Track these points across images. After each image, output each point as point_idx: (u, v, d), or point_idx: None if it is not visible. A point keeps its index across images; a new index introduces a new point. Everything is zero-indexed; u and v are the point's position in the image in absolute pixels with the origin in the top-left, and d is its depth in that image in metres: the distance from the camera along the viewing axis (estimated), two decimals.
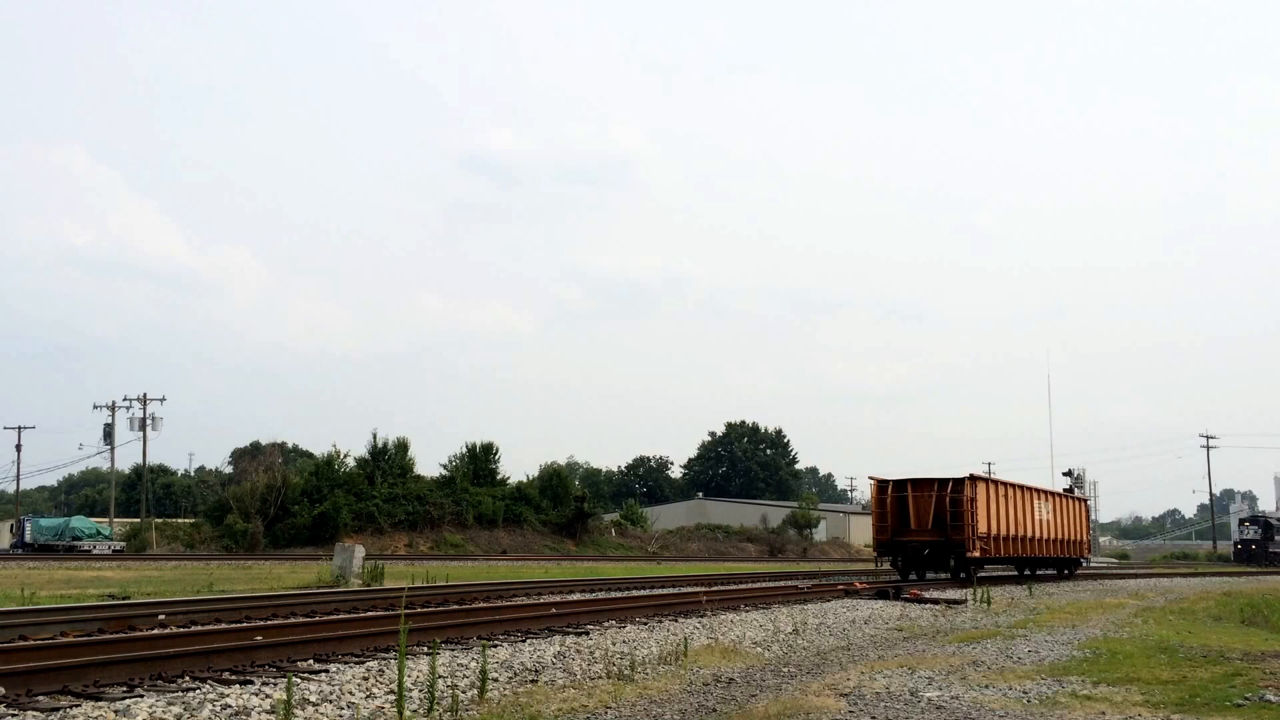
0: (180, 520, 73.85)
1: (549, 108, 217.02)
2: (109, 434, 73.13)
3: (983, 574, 31.13)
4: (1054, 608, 22.14)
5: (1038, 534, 34.18)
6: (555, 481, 69.46)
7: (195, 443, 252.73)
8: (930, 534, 29.28)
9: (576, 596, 21.93)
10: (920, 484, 30.13)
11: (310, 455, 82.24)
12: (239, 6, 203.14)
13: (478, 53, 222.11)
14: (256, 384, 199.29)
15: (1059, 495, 38.62)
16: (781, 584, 26.53)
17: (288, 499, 60.69)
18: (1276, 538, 70.91)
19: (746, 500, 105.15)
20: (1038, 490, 35.46)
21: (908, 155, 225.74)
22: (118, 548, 59.73)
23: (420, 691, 9.34)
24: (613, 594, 22.47)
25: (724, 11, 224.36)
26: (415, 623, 12.84)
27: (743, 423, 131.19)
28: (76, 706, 8.10)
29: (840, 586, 24.69)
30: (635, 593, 22.39)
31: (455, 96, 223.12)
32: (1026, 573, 36.30)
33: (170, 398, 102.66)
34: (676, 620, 16.14)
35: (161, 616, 14.98)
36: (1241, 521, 77.57)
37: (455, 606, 17.06)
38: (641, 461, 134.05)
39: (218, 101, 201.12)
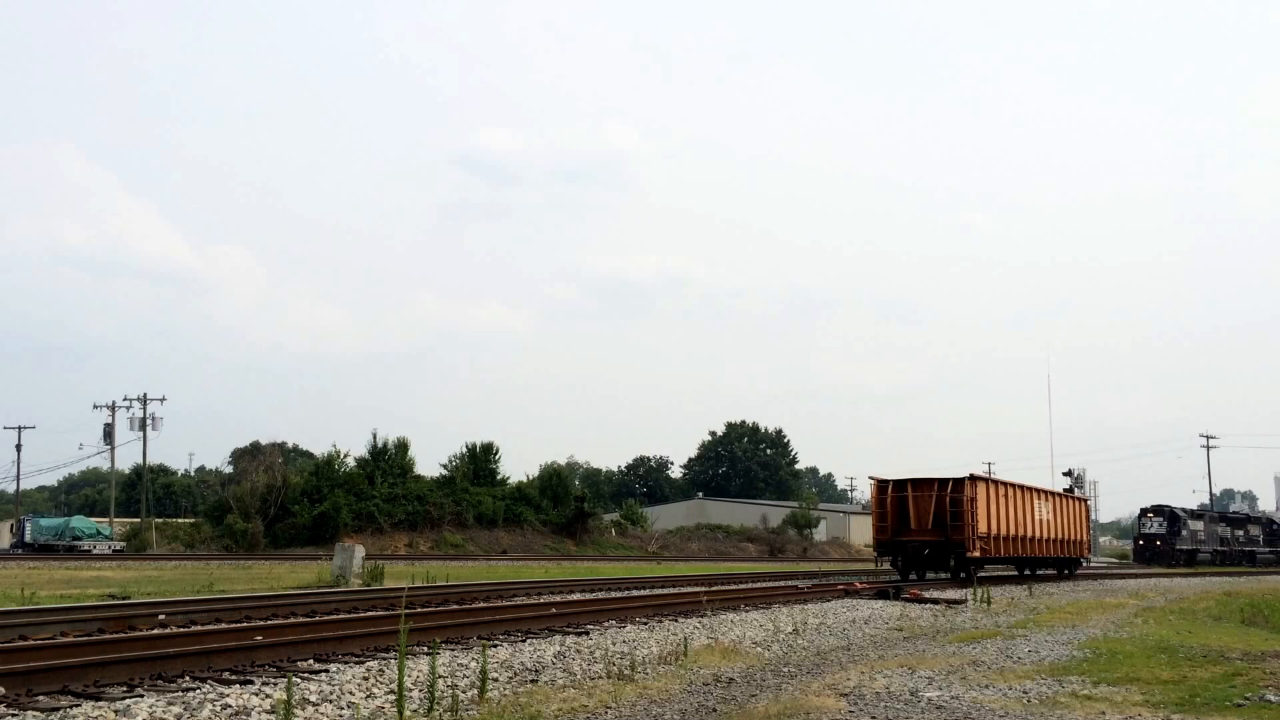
0: (180, 520, 73.90)
1: (546, 106, 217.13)
2: (109, 434, 73.10)
3: (983, 574, 31.12)
4: (1054, 608, 22.15)
5: (1038, 534, 34.18)
6: (555, 481, 69.49)
7: (195, 443, 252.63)
8: (930, 534, 29.28)
9: (576, 596, 21.93)
10: (920, 484, 30.14)
11: (310, 455, 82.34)
12: (235, 5, 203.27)
13: (475, 51, 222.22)
14: (256, 384, 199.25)
15: (1059, 495, 38.64)
16: (781, 584, 26.54)
17: (288, 499, 60.73)
18: (1184, 532, 60.19)
19: (746, 500, 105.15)
20: (1038, 490, 35.47)
21: (906, 152, 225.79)
22: (118, 548, 59.76)
23: (420, 691, 9.34)
24: (613, 594, 22.47)
25: (721, 9, 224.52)
26: (415, 623, 12.84)
27: (743, 423, 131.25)
28: (76, 706, 8.11)
29: (840, 586, 24.69)
30: (635, 593, 22.40)
31: (452, 95, 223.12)
32: (1026, 573, 36.31)
33: (170, 398, 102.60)
34: (676, 620, 16.14)
35: (161, 616, 14.98)
36: (1143, 513, 62.68)
37: (455, 606, 17.07)
38: (641, 461, 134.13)
39: (214, 100, 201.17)
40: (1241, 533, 65.75)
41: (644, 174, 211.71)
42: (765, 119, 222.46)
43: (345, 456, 64.79)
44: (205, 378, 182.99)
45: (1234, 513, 73.72)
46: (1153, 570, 50.39)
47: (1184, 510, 61.81)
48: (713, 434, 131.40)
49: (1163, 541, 59.68)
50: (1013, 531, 32.06)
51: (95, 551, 56.63)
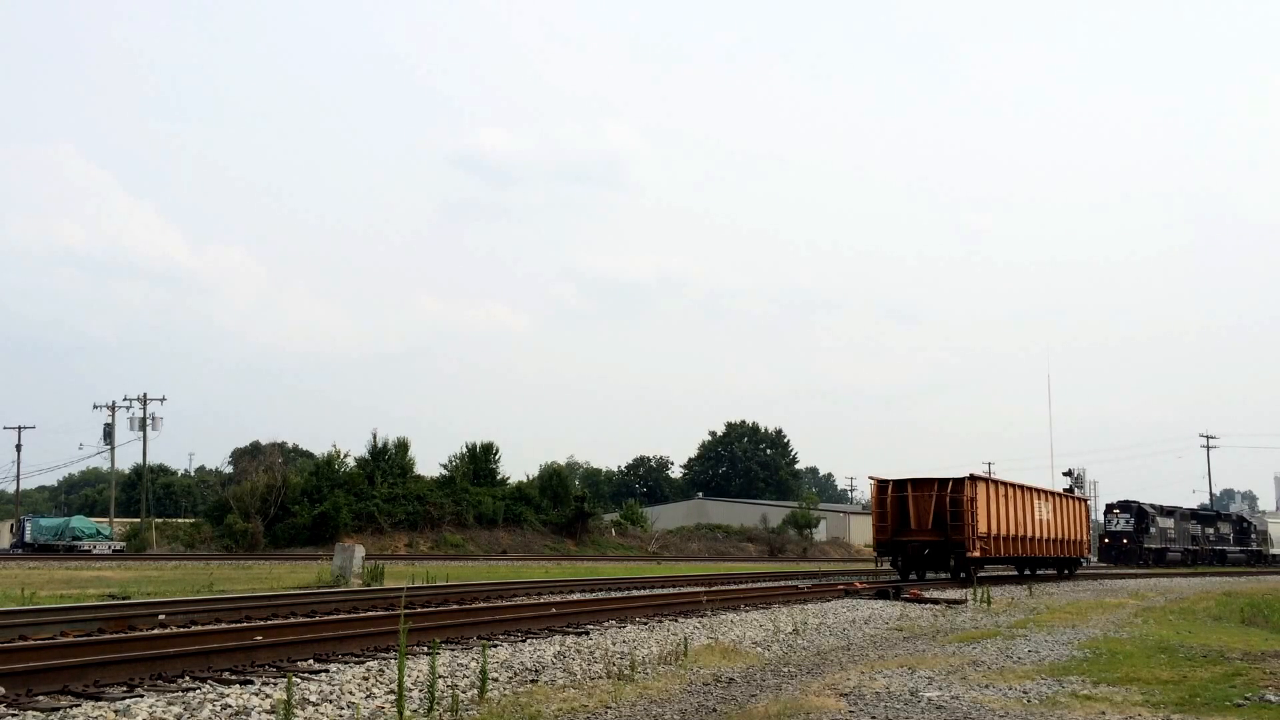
0: (180, 520, 73.95)
1: (546, 106, 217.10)
2: (109, 434, 73.12)
3: (983, 574, 31.15)
4: (1054, 608, 22.15)
5: (1038, 534, 34.19)
6: (555, 481, 69.51)
7: (195, 443, 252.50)
8: (930, 534, 29.29)
9: (576, 596, 21.94)
10: (920, 484, 30.15)
11: (310, 455, 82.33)
12: (235, 4, 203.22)
13: (475, 51, 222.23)
14: (256, 384, 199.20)
15: (1059, 495, 38.65)
16: (781, 584, 26.54)
17: (288, 499, 60.75)
18: (1152, 530, 57.21)
19: (746, 500, 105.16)
20: (1038, 490, 35.48)
21: (906, 152, 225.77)
22: (118, 548, 59.80)
23: (420, 691, 9.34)
24: (613, 594, 22.47)
25: (721, 9, 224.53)
26: (415, 623, 12.85)
27: (743, 423, 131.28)
28: (76, 706, 8.11)
29: (840, 586, 24.69)
30: (635, 593, 22.40)
31: (452, 95, 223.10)
32: (1026, 573, 36.33)
33: (170, 398, 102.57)
34: (676, 620, 16.14)
35: (161, 616, 14.98)
36: (1109, 509, 59.34)
37: (455, 606, 17.07)
38: (641, 461, 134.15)
39: (213, 100, 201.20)
40: (1212, 531, 63.44)
41: (643, 174, 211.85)
42: (764, 118, 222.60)
43: (345, 456, 64.95)
44: (205, 378, 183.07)
45: (1205, 510, 70.45)
46: (1153, 570, 50.10)
47: (1153, 507, 58.95)
48: (713, 434, 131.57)
49: (1130, 540, 56.69)
50: (1013, 531, 32.07)
51: (95, 551, 56.65)
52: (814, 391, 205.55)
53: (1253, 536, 66.88)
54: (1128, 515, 57.65)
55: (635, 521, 75.78)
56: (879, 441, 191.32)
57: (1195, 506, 71.53)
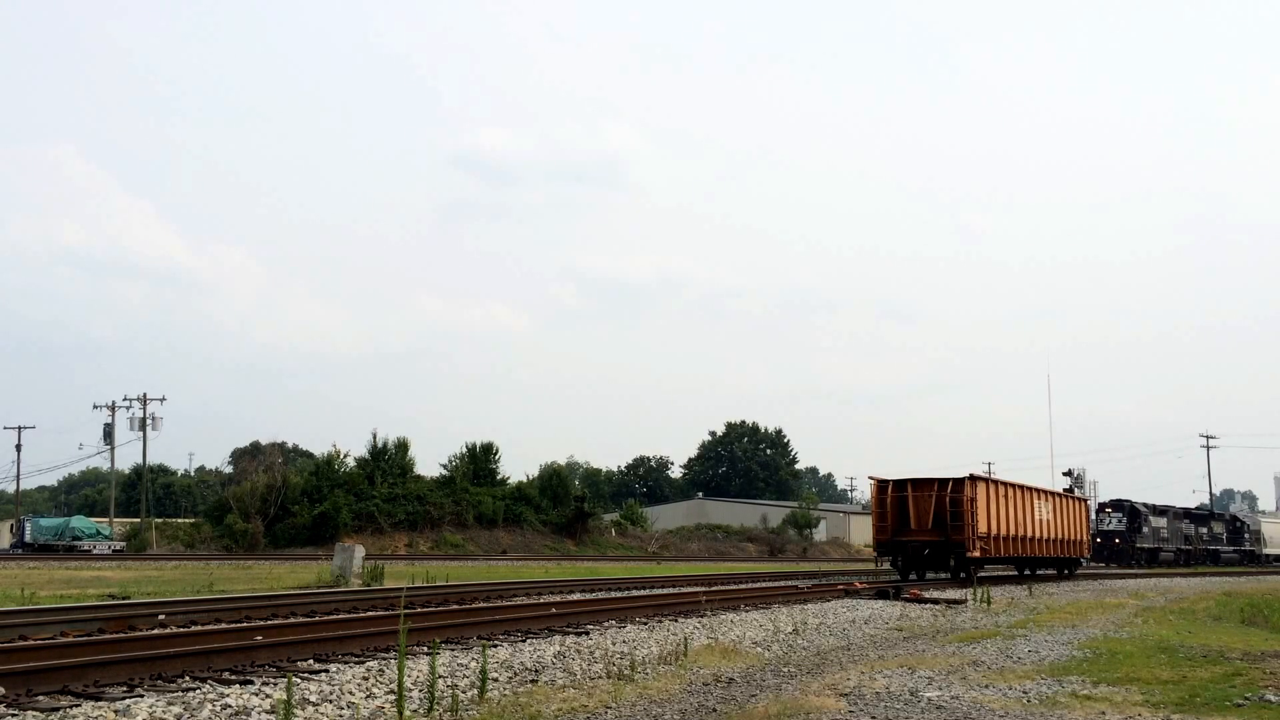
0: (180, 520, 73.97)
1: (545, 106, 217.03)
2: (109, 434, 73.13)
3: (983, 574, 31.14)
4: (1054, 608, 22.15)
5: (1038, 534, 34.20)
6: (555, 481, 69.52)
7: (195, 443, 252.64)
8: (930, 534, 29.29)
9: (576, 596, 21.94)
10: (920, 484, 30.15)
11: (310, 455, 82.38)
12: (235, 4, 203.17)
13: (474, 51, 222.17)
14: (256, 384, 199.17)
15: (1059, 495, 38.65)
16: (781, 584, 26.54)
17: (288, 499, 60.77)
18: (1144, 529, 56.36)
19: (746, 500, 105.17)
20: (1038, 490, 35.49)
21: (906, 152, 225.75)
22: (118, 548, 59.82)
23: (420, 691, 9.34)
24: (613, 594, 22.47)
25: (720, 9, 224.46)
26: (415, 623, 12.85)
27: (743, 423, 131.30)
28: (76, 706, 8.11)
29: (840, 586, 24.70)
30: (635, 593, 22.40)
31: (452, 95, 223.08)
32: (1026, 573, 36.33)
33: (170, 398, 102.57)
34: (676, 620, 16.14)
35: (161, 616, 14.98)
36: (1101, 508, 57.78)
37: (455, 606, 17.07)
38: (641, 461, 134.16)
39: (213, 100, 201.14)
40: (1205, 530, 62.66)
41: (643, 174, 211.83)
42: (764, 119, 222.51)
43: (345, 456, 64.96)
44: (205, 378, 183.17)
45: (1199, 509, 69.33)
46: (1153, 570, 50.10)
47: (1145, 506, 57.85)
48: (713, 434, 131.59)
49: (1122, 539, 55.46)
50: (1013, 531, 32.07)
51: (95, 551, 56.67)
52: (814, 391, 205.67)
53: (1246, 536, 66.50)
54: (1120, 514, 56.70)
55: (635, 521, 75.78)
56: (879, 441, 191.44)
57: (1190, 506, 71.10)
